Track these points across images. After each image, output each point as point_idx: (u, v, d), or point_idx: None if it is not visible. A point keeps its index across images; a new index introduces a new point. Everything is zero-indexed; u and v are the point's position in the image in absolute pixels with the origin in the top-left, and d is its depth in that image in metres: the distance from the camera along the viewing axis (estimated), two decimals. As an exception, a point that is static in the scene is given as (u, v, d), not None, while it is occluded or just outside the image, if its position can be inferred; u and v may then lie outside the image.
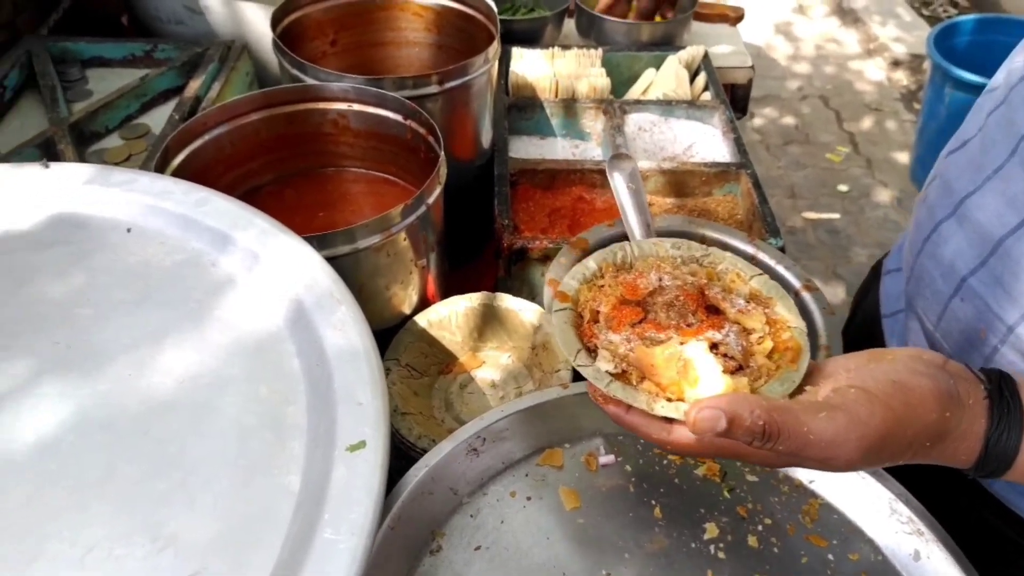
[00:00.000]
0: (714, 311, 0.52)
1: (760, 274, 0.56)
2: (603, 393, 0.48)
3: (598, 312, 0.52)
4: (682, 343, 0.49)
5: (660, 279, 0.53)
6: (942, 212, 0.67)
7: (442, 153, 0.76)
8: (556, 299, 0.53)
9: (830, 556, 0.58)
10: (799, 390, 0.48)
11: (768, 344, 0.50)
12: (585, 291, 0.54)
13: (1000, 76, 0.69)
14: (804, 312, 0.79)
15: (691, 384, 0.47)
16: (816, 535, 0.59)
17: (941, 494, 0.67)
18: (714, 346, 0.49)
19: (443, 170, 0.76)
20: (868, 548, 0.58)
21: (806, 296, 0.79)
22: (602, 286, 0.54)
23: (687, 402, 0.47)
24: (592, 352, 0.50)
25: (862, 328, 0.92)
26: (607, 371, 0.48)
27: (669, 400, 0.47)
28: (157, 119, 1.03)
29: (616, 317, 0.51)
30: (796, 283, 0.80)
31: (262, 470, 0.47)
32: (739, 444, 0.44)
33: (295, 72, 0.88)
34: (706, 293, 0.52)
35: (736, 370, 0.49)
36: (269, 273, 0.59)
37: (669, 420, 0.47)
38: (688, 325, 0.51)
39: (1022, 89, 0.61)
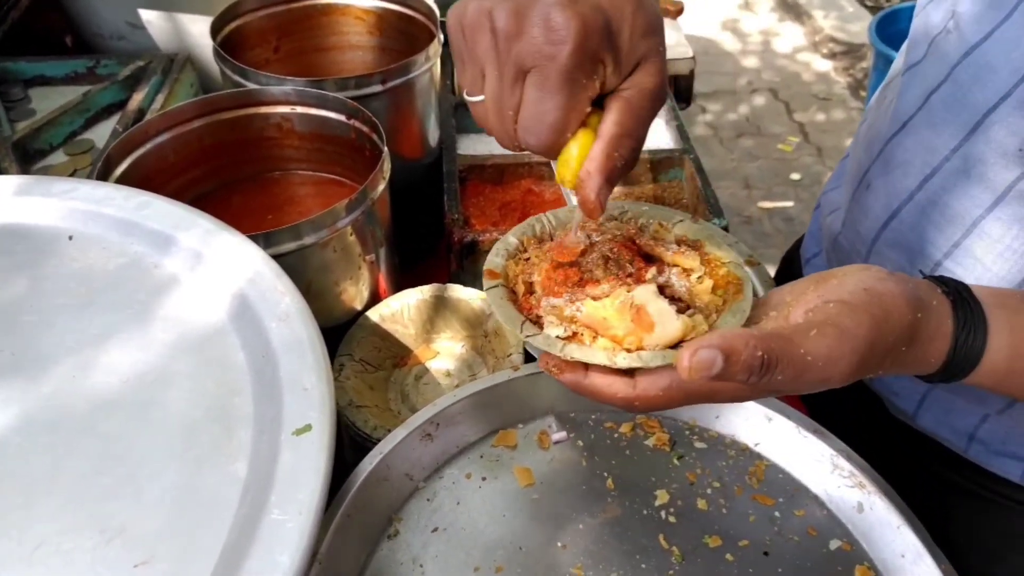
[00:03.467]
0: (649, 259, 0.51)
1: (682, 220, 0.56)
2: (557, 362, 0.47)
3: (531, 284, 0.51)
4: (629, 291, 0.48)
5: (588, 236, 0.52)
6: (899, 198, 0.66)
7: (385, 148, 0.77)
8: (485, 277, 0.52)
9: (777, 513, 0.59)
10: (750, 321, 0.47)
11: (708, 282, 0.50)
12: (512, 266, 0.53)
13: (920, 46, 0.69)
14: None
15: (647, 331, 0.45)
16: (763, 494, 0.61)
17: (886, 449, 0.69)
18: (660, 289, 0.48)
19: (387, 165, 0.77)
20: (813, 504, 0.60)
21: (748, 271, 0.81)
22: (528, 259, 0.53)
23: (647, 350, 0.45)
24: (536, 323, 0.49)
25: None
26: (557, 336, 0.47)
27: (629, 351, 0.45)
28: (101, 134, 1.02)
29: (553, 282, 0.50)
30: (739, 259, 0.82)
31: (209, 460, 0.48)
32: (714, 385, 0.43)
33: (237, 79, 0.88)
34: (638, 242, 0.52)
35: (685, 311, 0.48)
36: (213, 271, 0.59)
37: (631, 374, 0.45)
38: (628, 276, 0.49)
39: (969, 67, 0.60)
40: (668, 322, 0.45)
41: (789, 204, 2.75)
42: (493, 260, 0.53)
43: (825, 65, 3.56)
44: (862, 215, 0.72)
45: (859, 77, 3.46)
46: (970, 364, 0.46)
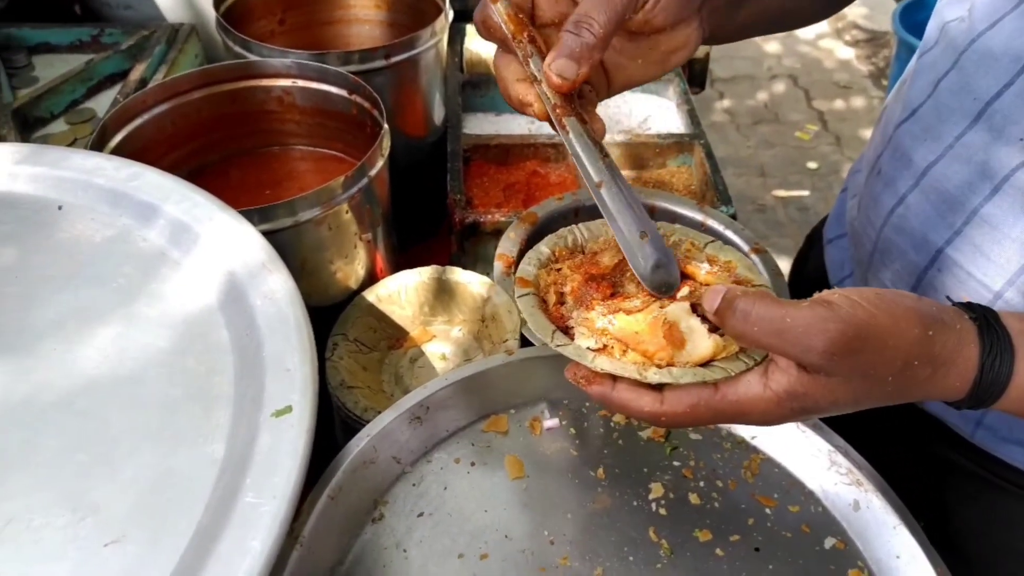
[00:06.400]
0: (682, 275, 0.50)
1: (713, 241, 0.55)
2: (586, 373, 0.47)
3: (563, 294, 0.51)
4: (662, 307, 0.48)
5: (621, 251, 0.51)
6: (904, 184, 0.66)
7: (385, 125, 0.76)
8: (517, 285, 0.51)
9: (769, 510, 0.58)
10: None
11: None
12: (544, 275, 0.53)
13: (933, 34, 0.68)
14: (753, 276, 0.80)
15: (678, 347, 0.46)
16: (758, 489, 0.59)
17: (893, 430, 0.68)
18: (692, 308, 0.47)
19: (386, 142, 0.75)
20: (809, 500, 0.59)
21: (755, 259, 0.79)
22: (559, 269, 0.53)
23: (678, 367, 0.45)
24: (566, 333, 0.49)
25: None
26: (588, 347, 0.47)
27: (659, 367, 0.45)
28: (103, 103, 1.01)
29: (586, 294, 0.49)
30: (745, 246, 0.81)
31: (186, 440, 0.47)
32: (743, 403, 0.44)
33: (239, 50, 0.87)
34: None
35: (716, 328, 0.47)
36: (200, 246, 0.58)
37: (659, 390, 0.45)
38: None
39: (973, 55, 0.60)
40: (699, 340, 0.46)
41: (805, 193, 2.71)
42: (525, 268, 0.53)
43: (848, 53, 3.49)
44: (872, 201, 0.71)
45: (881, 66, 3.39)
46: (997, 390, 0.45)
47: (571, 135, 0.49)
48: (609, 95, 0.57)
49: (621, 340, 0.47)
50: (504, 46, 0.51)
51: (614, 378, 0.46)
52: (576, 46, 0.47)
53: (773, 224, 2.58)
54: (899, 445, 0.71)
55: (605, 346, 0.47)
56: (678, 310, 0.47)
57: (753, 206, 2.65)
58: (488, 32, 0.51)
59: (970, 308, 0.46)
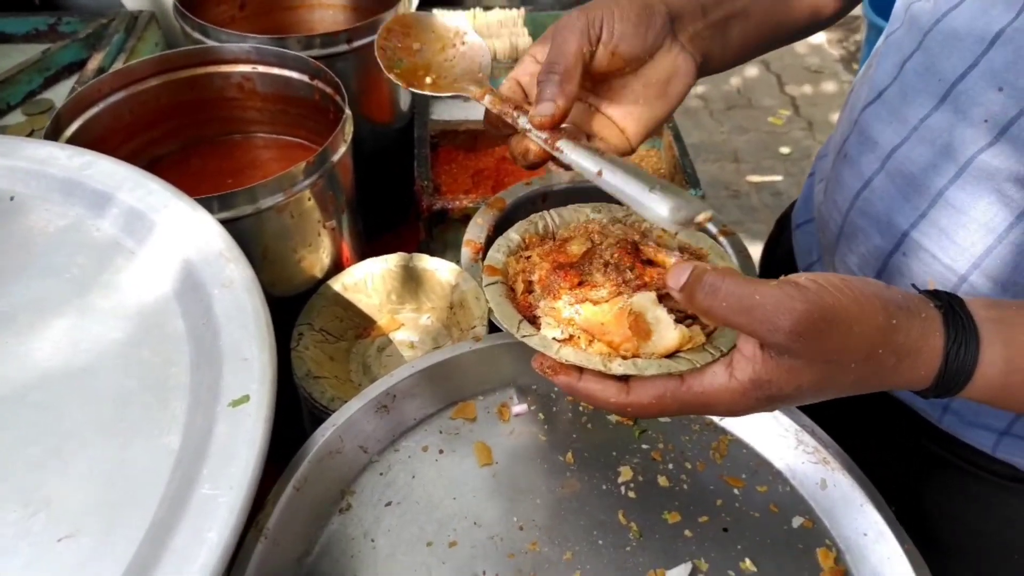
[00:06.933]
0: (651, 264, 0.50)
1: None
2: (552, 364, 0.47)
3: (531, 282, 0.51)
4: (629, 297, 0.47)
5: (591, 240, 0.51)
6: (870, 168, 0.66)
7: (347, 110, 0.74)
8: (485, 273, 0.52)
9: (737, 490, 0.58)
10: None
11: None
12: (513, 263, 0.53)
13: (899, 14, 0.68)
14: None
15: (644, 338, 0.45)
16: (726, 470, 0.59)
17: (862, 420, 0.68)
18: (661, 298, 0.47)
19: (348, 127, 0.74)
20: (776, 480, 0.59)
21: (723, 240, 0.79)
22: (529, 257, 0.53)
23: (643, 358, 0.45)
24: (533, 322, 0.49)
25: None
26: (554, 338, 0.47)
27: (624, 358, 0.45)
28: (62, 94, 0.99)
29: (553, 283, 0.49)
30: (713, 229, 0.80)
31: (141, 432, 0.46)
32: (709, 395, 0.44)
33: (197, 36, 0.85)
34: (640, 248, 0.51)
35: (683, 319, 0.47)
36: (156, 235, 0.57)
37: (625, 380, 0.45)
38: (626, 282, 0.49)
39: (938, 35, 0.59)
40: (665, 331, 0.46)
41: (778, 178, 2.73)
42: (494, 256, 0.53)
43: (819, 37, 3.51)
44: (838, 185, 0.71)
45: (852, 50, 3.41)
46: (963, 378, 0.45)
47: (564, 151, 0.51)
48: (633, 147, 0.59)
49: (587, 330, 0.47)
50: (508, 128, 0.55)
51: (580, 368, 0.46)
52: (547, 89, 0.52)
53: (747, 209, 2.59)
54: (868, 432, 0.72)
55: (571, 336, 0.47)
56: (644, 300, 0.47)
57: (727, 192, 2.66)
58: (497, 130, 0.56)
59: (936, 296, 0.46)
